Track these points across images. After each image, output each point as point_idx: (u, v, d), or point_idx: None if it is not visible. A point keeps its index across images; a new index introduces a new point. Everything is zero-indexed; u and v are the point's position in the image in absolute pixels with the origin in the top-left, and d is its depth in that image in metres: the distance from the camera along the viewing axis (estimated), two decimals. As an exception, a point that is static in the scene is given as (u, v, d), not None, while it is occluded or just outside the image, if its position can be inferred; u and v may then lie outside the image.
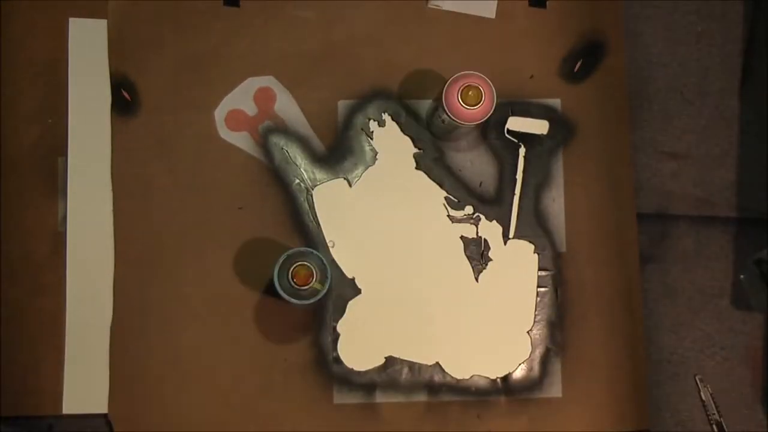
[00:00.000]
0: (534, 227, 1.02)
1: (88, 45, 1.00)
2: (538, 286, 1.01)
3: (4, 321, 0.96)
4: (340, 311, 0.99)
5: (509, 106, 1.02)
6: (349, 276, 1.00)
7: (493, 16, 1.03)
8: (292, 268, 0.88)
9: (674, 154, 1.06)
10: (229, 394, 0.97)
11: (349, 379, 0.99)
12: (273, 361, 0.98)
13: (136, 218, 0.99)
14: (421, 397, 0.99)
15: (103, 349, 0.97)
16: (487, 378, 1.00)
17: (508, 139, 1.02)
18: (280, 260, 0.89)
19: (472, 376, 0.99)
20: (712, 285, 1.05)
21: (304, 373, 0.98)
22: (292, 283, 0.88)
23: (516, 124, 1.02)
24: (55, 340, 0.97)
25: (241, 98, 1.01)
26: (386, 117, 1.02)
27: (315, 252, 0.90)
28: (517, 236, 1.02)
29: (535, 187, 1.02)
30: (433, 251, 1.01)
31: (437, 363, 0.99)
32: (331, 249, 1.00)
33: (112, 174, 0.99)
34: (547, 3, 1.04)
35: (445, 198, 1.01)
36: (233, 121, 1.00)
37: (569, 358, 1.00)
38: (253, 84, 1.01)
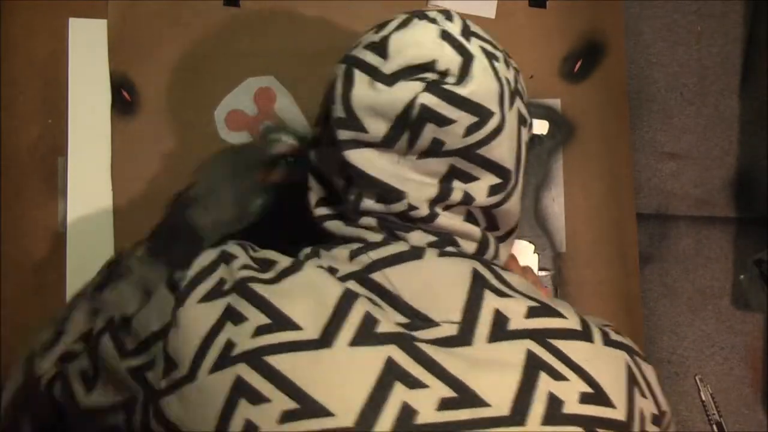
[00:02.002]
0: (534, 227, 1.02)
1: (88, 45, 1.00)
2: (538, 286, 1.01)
3: (4, 321, 0.96)
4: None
5: (509, 106, 1.02)
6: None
7: (493, 16, 1.03)
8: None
9: (674, 154, 1.06)
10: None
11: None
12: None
13: (136, 218, 0.99)
14: None
15: (103, 349, 0.97)
16: (487, 378, 1.00)
17: (508, 139, 1.02)
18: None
19: (472, 376, 0.99)
20: (712, 285, 1.05)
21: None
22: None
23: (516, 124, 1.02)
24: (55, 340, 0.97)
25: (241, 98, 1.01)
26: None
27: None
28: (517, 236, 1.01)
29: (535, 187, 1.02)
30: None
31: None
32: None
33: (112, 174, 0.99)
34: (547, 3, 1.04)
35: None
36: (233, 121, 1.00)
37: (569, 358, 1.00)
38: (253, 84, 1.01)
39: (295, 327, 0.54)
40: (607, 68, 1.04)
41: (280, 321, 0.54)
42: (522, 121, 0.64)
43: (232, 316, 0.55)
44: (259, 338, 0.54)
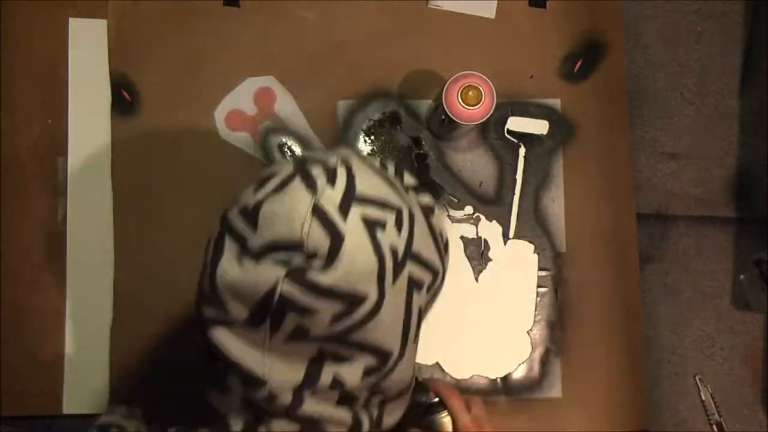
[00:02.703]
0: (534, 227, 1.02)
1: (88, 45, 1.00)
2: (538, 286, 1.01)
3: (4, 321, 0.96)
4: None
5: (509, 106, 1.02)
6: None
7: (493, 16, 1.03)
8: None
9: (674, 154, 1.06)
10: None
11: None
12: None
13: (136, 218, 0.99)
14: (421, 398, 0.98)
15: (103, 349, 0.97)
16: (487, 378, 1.00)
17: (508, 139, 1.02)
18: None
19: (472, 376, 0.99)
20: (712, 285, 1.05)
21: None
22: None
23: (516, 124, 1.02)
24: (55, 340, 0.97)
25: (241, 98, 1.01)
26: (386, 117, 1.02)
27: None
28: (517, 236, 1.02)
29: (535, 187, 1.02)
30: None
31: (437, 363, 0.99)
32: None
33: (112, 174, 0.99)
34: (547, 3, 1.04)
35: (445, 198, 1.01)
36: (233, 121, 1.00)
37: (569, 359, 1.00)
38: (253, 84, 1.01)
39: None
40: (607, 68, 1.04)
41: None
42: (414, 287, 0.58)
43: None
44: None
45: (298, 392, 0.55)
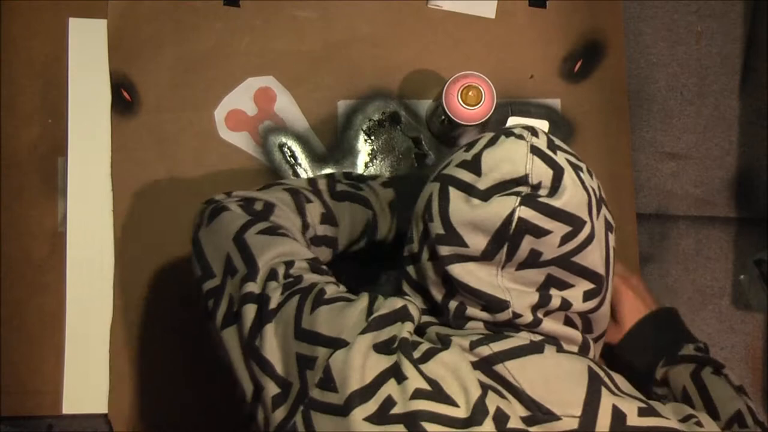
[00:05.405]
0: (534, 227, 1.02)
1: (88, 45, 1.00)
2: (538, 286, 1.01)
3: (4, 321, 0.96)
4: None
5: (509, 106, 1.02)
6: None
7: (493, 16, 1.03)
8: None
9: (674, 154, 1.06)
10: (229, 394, 0.97)
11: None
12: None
13: (136, 218, 0.99)
14: None
15: (103, 349, 0.97)
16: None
17: (508, 139, 1.02)
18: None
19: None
20: (712, 285, 1.05)
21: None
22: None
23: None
24: (55, 340, 0.97)
25: (241, 98, 1.01)
26: (386, 117, 1.02)
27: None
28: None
29: (535, 187, 1.02)
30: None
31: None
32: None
33: (112, 174, 0.99)
34: (547, 3, 1.04)
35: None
36: (233, 121, 1.00)
37: (569, 358, 1.00)
38: (253, 84, 1.01)
39: (452, 402, 0.57)
40: (607, 68, 1.04)
41: (440, 392, 0.57)
42: (609, 228, 0.66)
43: (396, 372, 0.58)
44: (418, 402, 0.56)
45: (534, 311, 0.62)
